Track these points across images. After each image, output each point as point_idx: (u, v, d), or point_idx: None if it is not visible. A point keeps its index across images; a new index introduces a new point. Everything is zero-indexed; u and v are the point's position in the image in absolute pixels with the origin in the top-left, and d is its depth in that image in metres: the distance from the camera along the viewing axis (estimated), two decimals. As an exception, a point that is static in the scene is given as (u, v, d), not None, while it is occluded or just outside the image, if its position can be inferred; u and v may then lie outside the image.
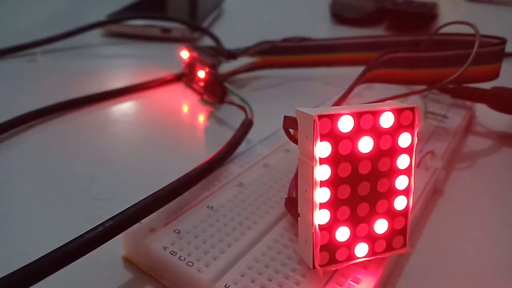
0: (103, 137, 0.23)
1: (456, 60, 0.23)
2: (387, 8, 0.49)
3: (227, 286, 0.12)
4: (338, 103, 0.18)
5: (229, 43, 0.35)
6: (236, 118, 0.22)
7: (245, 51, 0.30)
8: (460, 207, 0.19)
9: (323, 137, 0.12)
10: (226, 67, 0.30)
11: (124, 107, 0.27)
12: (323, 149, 0.12)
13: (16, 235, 0.16)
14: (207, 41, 0.38)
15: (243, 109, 0.23)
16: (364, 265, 0.13)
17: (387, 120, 0.12)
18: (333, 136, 0.12)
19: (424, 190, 0.18)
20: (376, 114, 0.12)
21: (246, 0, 0.61)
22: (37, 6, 0.51)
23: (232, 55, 0.29)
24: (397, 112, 0.12)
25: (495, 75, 0.25)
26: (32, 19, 0.45)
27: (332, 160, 0.12)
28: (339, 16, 0.51)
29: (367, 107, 0.12)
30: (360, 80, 0.20)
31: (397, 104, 0.13)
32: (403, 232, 0.13)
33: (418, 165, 0.19)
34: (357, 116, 0.12)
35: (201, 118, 0.26)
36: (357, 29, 0.50)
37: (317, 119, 0.11)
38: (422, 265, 0.16)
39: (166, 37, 0.39)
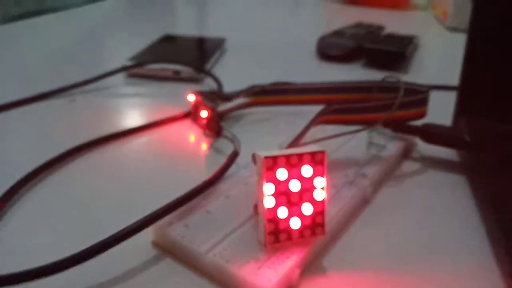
0: (131, 164, 0.32)
1: (387, 106, 0.31)
2: (364, 47, 0.58)
3: (214, 255, 0.21)
4: (294, 141, 0.27)
5: (228, 80, 0.44)
6: (229, 148, 0.31)
7: (239, 94, 0.39)
8: (382, 213, 0.28)
9: (267, 170, 0.21)
10: (225, 104, 0.39)
11: (144, 140, 0.36)
12: (267, 176, 0.21)
13: (85, 229, 0.25)
14: (209, 81, 0.48)
15: (234, 142, 0.32)
16: (298, 244, 0.22)
17: (307, 158, 0.21)
18: (274, 169, 0.21)
19: (350, 200, 0.26)
20: (300, 156, 0.21)
21: (244, 40, 0.70)
22: (59, 43, 0.61)
23: (227, 98, 0.38)
24: (313, 154, 0.21)
25: (422, 115, 0.34)
26: (57, 58, 0.55)
27: (274, 182, 0.21)
28: (324, 54, 0.60)
29: (295, 151, 0.21)
30: (311, 126, 0.28)
31: (314, 148, 0.21)
32: (322, 225, 0.22)
33: (351, 183, 0.28)
34: (288, 157, 0.21)
35: (204, 147, 0.35)
36: (339, 64, 0.59)
37: (264, 159, 0.20)
38: (342, 252, 0.24)
39: (177, 78, 0.48)
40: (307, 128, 0.28)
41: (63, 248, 0.21)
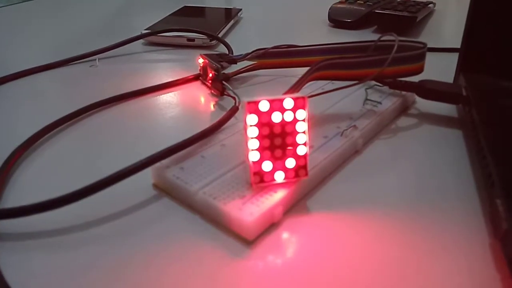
0: (147, 118, 0.35)
1: (382, 62, 0.32)
2: (375, 12, 0.58)
3: (204, 193, 0.23)
4: (287, 93, 0.28)
5: (241, 46, 0.46)
6: (231, 105, 0.33)
7: (243, 57, 0.41)
8: (371, 163, 0.29)
9: (251, 113, 0.22)
10: (233, 67, 0.41)
11: (161, 98, 0.38)
12: (251, 119, 0.22)
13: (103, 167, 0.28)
14: (222, 47, 0.50)
15: (234, 99, 0.34)
16: (282, 185, 0.24)
17: (289, 103, 0.23)
18: (257, 112, 0.22)
19: (338, 149, 0.28)
20: (281, 100, 0.23)
21: (259, 10, 0.71)
22: (87, 18, 0.64)
23: (232, 60, 0.40)
24: (295, 99, 0.23)
25: (419, 71, 0.35)
26: (84, 30, 0.58)
27: (258, 125, 0.23)
28: (336, 20, 0.61)
29: (278, 97, 0.23)
30: (305, 80, 0.30)
31: (295, 95, 0.23)
32: (305, 167, 0.24)
33: (341, 134, 0.30)
34: (270, 101, 0.23)
35: (209, 105, 0.37)
36: (350, 31, 0.60)
37: (247, 104, 0.22)
38: (327, 195, 0.26)
39: (191, 45, 0.50)
40: (300, 81, 0.30)
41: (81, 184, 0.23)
